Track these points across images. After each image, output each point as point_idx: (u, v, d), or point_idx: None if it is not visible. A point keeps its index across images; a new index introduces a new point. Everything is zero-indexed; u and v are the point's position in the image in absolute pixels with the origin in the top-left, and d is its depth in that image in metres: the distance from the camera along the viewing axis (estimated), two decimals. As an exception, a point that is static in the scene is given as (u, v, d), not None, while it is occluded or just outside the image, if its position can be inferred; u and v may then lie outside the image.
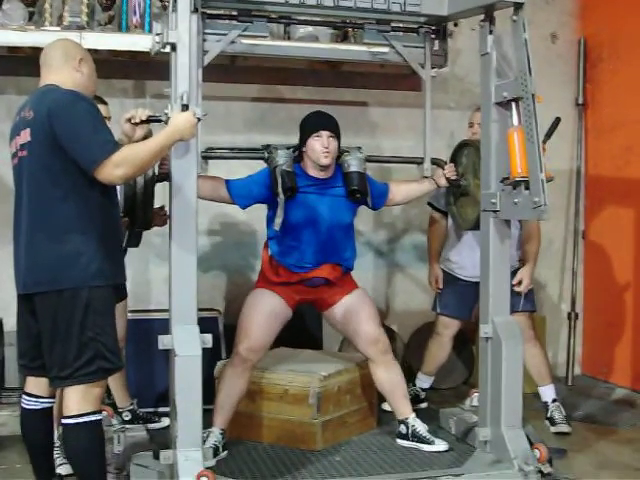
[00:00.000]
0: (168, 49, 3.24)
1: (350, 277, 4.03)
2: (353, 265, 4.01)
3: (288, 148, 3.84)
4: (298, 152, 3.87)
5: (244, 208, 3.89)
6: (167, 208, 3.33)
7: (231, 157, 4.00)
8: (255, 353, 3.78)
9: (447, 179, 4.03)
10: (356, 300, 3.95)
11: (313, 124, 3.84)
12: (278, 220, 3.72)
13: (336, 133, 3.83)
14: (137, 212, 3.35)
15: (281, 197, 3.69)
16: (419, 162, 4.10)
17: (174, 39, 3.15)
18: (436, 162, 4.09)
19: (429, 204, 4.65)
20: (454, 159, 4.11)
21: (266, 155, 3.82)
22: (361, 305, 3.95)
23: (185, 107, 3.09)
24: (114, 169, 2.81)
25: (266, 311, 3.82)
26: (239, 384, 3.78)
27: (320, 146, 3.77)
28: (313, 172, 3.85)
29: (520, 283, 4.28)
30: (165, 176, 3.32)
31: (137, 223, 3.45)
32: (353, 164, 3.88)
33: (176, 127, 2.99)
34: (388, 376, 3.95)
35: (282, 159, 3.76)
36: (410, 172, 4.32)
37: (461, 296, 4.46)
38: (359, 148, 3.98)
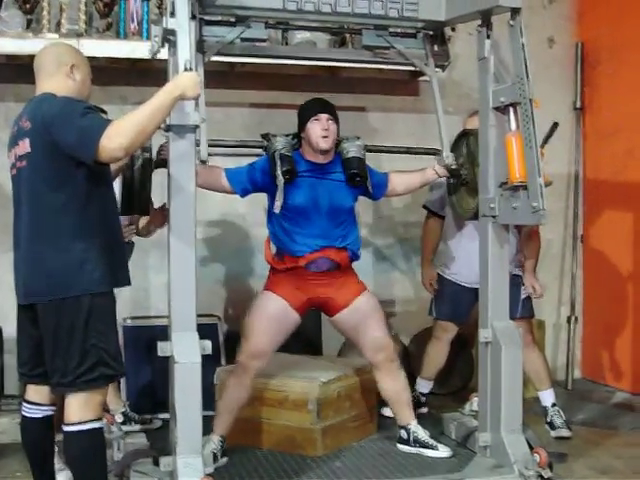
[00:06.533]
0: (166, 47, 3.24)
1: (356, 275, 3.97)
2: (359, 252, 3.96)
3: (287, 136, 3.84)
4: (297, 139, 3.87)
5: (243, 196, 3.88)
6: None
7: (232, 146, 4.02)
8: (257, 359, 3.75)
9: (447, 169, 4.01)
10: (366, 304, 3.91)
11: (311, 108, 3.84)
12: (278, 203, 3.71)
13: (335, 117, 3.82)
14: (134, 195, 3.29)
15: (280, 179, 3.69)
16: (433, 153, 4.09)
17: (173, 25, 3.10)
18: (435, 152, 4.08)
19: (424, 207, 4.66)
20: (454, 149, 4.08)
21: (265, 143, 3.83)
22: (371, 310, 3.91)
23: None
24: (109, 142, 2.71)
25: (269, 316, 3.78)
26: (240, 392, 3.75)
27: (319, 129, 3.76)
28: (312, 157, 3.84)
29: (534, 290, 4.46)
30: (164, 162, 3.27)
31: (134, 208, 3.39)
32: (352, 150, 3.88)
33: (177, 83, 2.86)
34: (393, 384, 3.93)
35: (280, 144, 3.77)
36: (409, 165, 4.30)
37: (457, 301, 4.46)
38: (358, 137, 3.98)
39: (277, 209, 3.71)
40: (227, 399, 3.76)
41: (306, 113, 3.83)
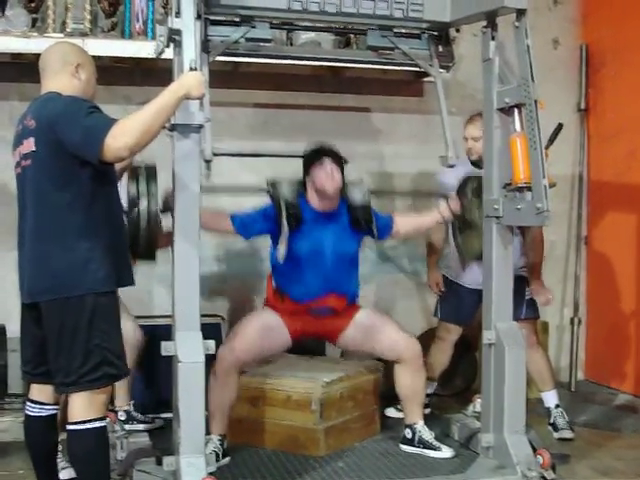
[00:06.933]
0: (171, 47, 3.24)
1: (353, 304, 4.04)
2: (358, 296, 4.03)
3: (292, 183, 3.89)
4: (303, 186, 3.91)
5: (247, 239, 3.95)
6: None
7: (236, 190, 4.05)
8: (234, 354, 3.73)
9: (452, 213, 4.03)
10: (367, 317, 3.97)
11: (315, 153, 3.89)
12: (281, 251, 3.76)
13: (339, 163, 3.86)
14: (140, 245, 3.30)
15: (285, 228, 3.74)
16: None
17: (178, 25, 3.10)
18: (442, 195, 4.12)
19: None
20: (459, 191, 4.11)
21: (270, 190, 3.87)
22: (376, 320, 3.97)
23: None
24: (114, 142, 2.71)
25: (261, 323, 3.85)
26: (226, 392, 3.74)
27: (324, 173, 3.80)
28: (317, 205, 3.88)
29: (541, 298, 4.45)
30: (169, 209, 3.29)
31: (141, 255, 3.40)
32: (357, 196, 3.95)
33: (182, 83, 2.86)
34: (412, 381, 3.94)
35: (286, 191, 3.83)
36: (411, 178, 4.32)
37: (462, 302, 4.46)
38: (361, 180, 4.05)
39: (281, 257, 3.77)
40: (216, 401, 3.72)
41: (310, 159, 3.88)
